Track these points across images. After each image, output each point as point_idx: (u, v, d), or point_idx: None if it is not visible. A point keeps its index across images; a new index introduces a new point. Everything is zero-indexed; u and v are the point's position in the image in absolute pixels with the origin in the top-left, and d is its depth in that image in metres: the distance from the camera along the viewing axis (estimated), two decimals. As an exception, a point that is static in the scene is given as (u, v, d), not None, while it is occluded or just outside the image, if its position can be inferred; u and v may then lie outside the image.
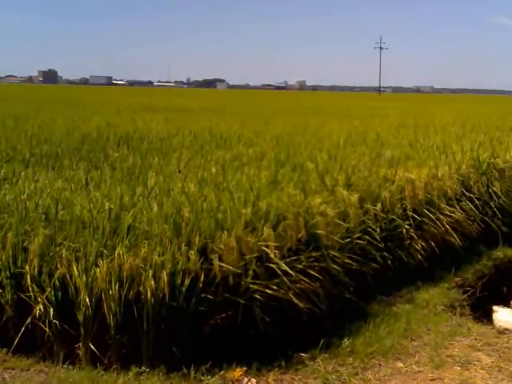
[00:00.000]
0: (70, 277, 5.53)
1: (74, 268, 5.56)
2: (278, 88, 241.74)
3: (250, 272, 5.80)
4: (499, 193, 10.02)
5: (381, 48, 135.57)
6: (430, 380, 5.34)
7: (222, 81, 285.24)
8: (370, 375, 5.41)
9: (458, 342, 6.21)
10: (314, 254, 6.36)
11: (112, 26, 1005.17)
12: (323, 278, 6.33)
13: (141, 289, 5.46)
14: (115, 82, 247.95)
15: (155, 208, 6.37)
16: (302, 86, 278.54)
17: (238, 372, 5.32)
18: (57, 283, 5.57)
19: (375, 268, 7.22)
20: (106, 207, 6.33)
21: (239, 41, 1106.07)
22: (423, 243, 8.06)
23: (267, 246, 5.95)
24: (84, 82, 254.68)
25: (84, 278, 5.50)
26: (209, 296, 5.56)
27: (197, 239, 5.78)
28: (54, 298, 5.55)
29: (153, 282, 5.41)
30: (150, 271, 5.47)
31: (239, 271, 5.72)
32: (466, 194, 9.51)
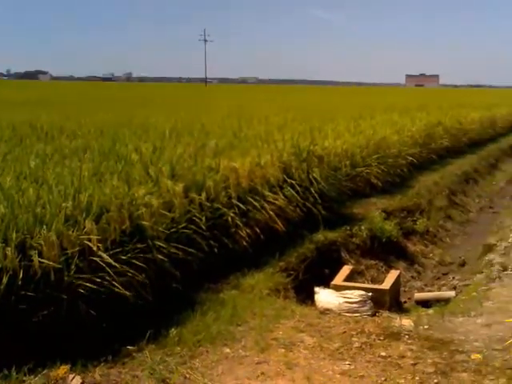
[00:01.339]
0: None
1: None
2: (105, 79, 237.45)
3: (73, 266, 5.64)
4: (319, 178, 10.40)
5: (205, 40, 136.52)
6: (256, 363, 5.46)
7: (45, 72, 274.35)
8: (197, 363, 5.43)
9: (283, 324, 6.39)
10: (139, 246, 6.31)
11: None
12: (149, 269, 6.31)
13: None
14: None
15: (-33, 205, 5.99)
16: (128, 78, 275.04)
17: (62, 370, 5.13)
18: None
19: (202, 256, 7.28)
20: None
21: (63, 30, 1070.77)
22: (248, 230, 8.22)
23: (90, 240, 5.82)
24: None
25: None
26: (29, 293, 5.32)
27: (14, 235, 5.50)
28: None
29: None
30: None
31: (60, 266, 5.54)
32: (288, 180, 9.79)
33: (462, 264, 10.94)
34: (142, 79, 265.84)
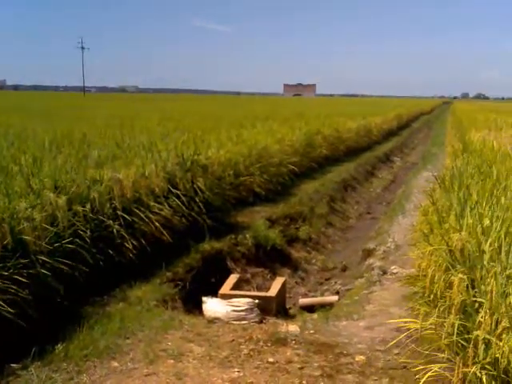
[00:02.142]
0: None
1: None
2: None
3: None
4: (203, 188, 10.48)
5: (82, 48, 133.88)
6: (145, 376, 5.43)
7: None
8: (85, 378, 5.35)
9: (171, 335, 6.40)
10: (22, 261, 6.13)
11: None
12: (33, 285, 6.15)
13: None
14: None
15: None
16: (2, 85, 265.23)
17: None
18: None
19: (87, 270, 7.15)
20: None
21: None
22: (134, 242, 8.14)
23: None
24: None
25: None
26: None
27: None
28: None
29: None
30: None
31: None
32: (173, 191, 9.79)
33: (344, 269, 11.26)
34: (16, 87, 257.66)
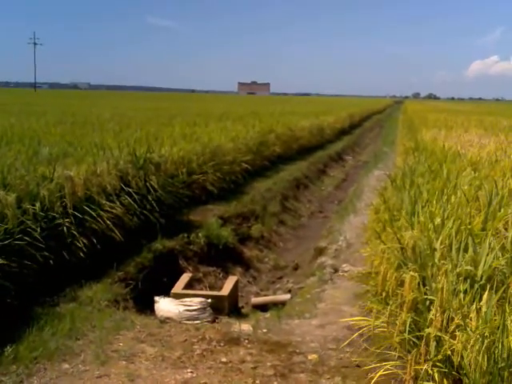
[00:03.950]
0: None
1: None
2: None
3: None
4: (156, 186, 10.39)
5: (35, 43, 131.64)
6: (97, 377, 5.35)
7: None
8: (35, 381, 5.25)
9: (123, 335, 6.32)
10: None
11: None
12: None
13: None
14: None
15: None
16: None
17: None
18: None
19: (37, 269, 7.02)
20: None
21: None
22: (85, 240, 8.02)
23: None
24: None
25: None
26: None
27: None
28: None
29: None
30: None
31: None
32: (125, 188, 9.68)
33: (296, 267, 11.28)
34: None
